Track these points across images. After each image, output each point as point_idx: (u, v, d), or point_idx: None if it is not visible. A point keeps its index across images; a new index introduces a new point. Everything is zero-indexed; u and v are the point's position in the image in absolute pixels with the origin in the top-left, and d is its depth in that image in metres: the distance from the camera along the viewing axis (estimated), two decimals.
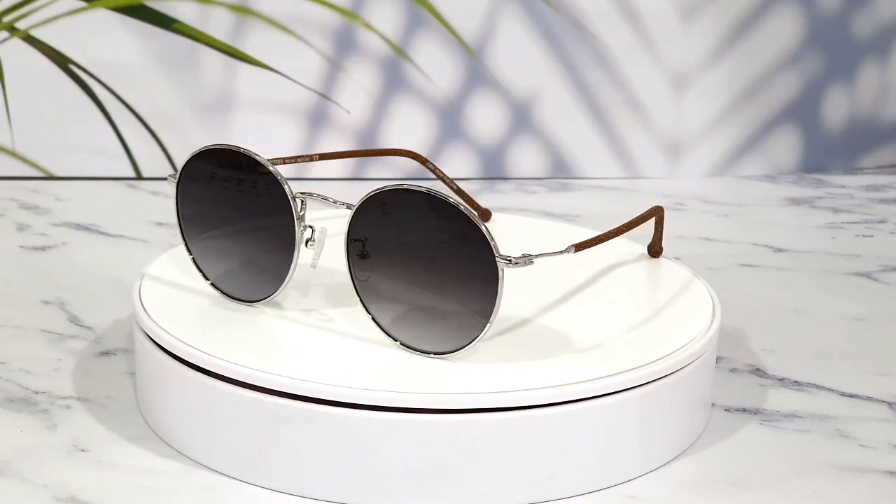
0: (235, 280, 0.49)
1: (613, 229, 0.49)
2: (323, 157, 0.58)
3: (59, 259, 0.66)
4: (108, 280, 0.62)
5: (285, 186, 0.46)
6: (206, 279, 0.49)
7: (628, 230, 0.50)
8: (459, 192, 0.59)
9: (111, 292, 0.61)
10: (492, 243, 0.42)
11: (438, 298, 0.43)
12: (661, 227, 0.54)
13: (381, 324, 0.45)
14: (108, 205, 0.76)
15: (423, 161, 0.60)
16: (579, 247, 0.45)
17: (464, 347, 0.43)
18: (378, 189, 0.43)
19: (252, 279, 0.48)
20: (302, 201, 0.46)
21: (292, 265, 0.46)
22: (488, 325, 0.42)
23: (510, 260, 0.42)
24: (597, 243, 0.46)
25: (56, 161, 0.80)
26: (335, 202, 0.46)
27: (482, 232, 0.41)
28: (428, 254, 0.44)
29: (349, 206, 0.44)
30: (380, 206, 0.43)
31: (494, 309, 0.42)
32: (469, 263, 0.42)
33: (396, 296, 0.44)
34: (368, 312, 0.45)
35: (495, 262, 0.42)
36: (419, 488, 0.42)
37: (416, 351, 0.44)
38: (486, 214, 0.60)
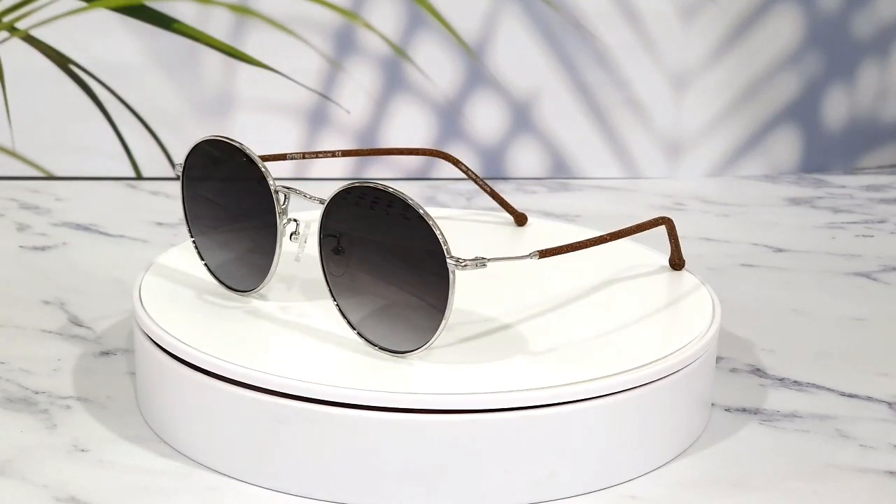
0: (229, 270, 0.49)
1: (588, 238, 0.48)
2: (346, 153, 0.57)
3: (59, 259, 0.66)
4: (108, 280, 0.62)
5: (269, 180, 0.46)
6: (206, 266, 0.50)
7: (612, 240, 0.49)
8: (493, 193, 0.59)
9: (111, 292, 0.61)
10: (444, 245, 0.41)
11: (397, 297, 0.44)
12: (676, 239, 0.52)
13: (349, 319, 0.45)
14: (108, 205, 0.76)
15: (455, 162, 0.59)
16: (543, 253, 0.44)
17: (418, 349, 0.43)
18: (344, 186, 0.44)
19: (242, 270, 0.49)
20: (285, 195, 0.46)
21: (275, 258, 0.47)
22: (441, 327, 0.42)
23: (460, 262, 0.42)
24: (563, 252, 0.46)
25: (56, 161, 0.80)
26: (310, 197, 0.46)
27: (435, 232, 0.41)
28: (389, 252, 0.44)
29: (322, 202, 0.45)
30: (347, 203, 0.44)
31: (446, 311, 0.42)
32: (424, 264, 0.42)
33: (361, 293, 0.44)
34: (338, 307, 0.45)
35: (446, 263, 0.42)
36: (419, 488, 0.42)
37: (376, 347, 0.44)
38: (521, 218, 0.59)
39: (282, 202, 0.46)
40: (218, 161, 0.49)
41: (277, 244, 0.47)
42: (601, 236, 0.48)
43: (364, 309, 0.44)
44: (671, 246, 0.53)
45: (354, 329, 0.44)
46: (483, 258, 0.42)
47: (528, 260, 0.44)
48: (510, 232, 0.58)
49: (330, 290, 0.45)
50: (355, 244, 0.44)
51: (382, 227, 0.43)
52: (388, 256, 0.44)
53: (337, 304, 0.45)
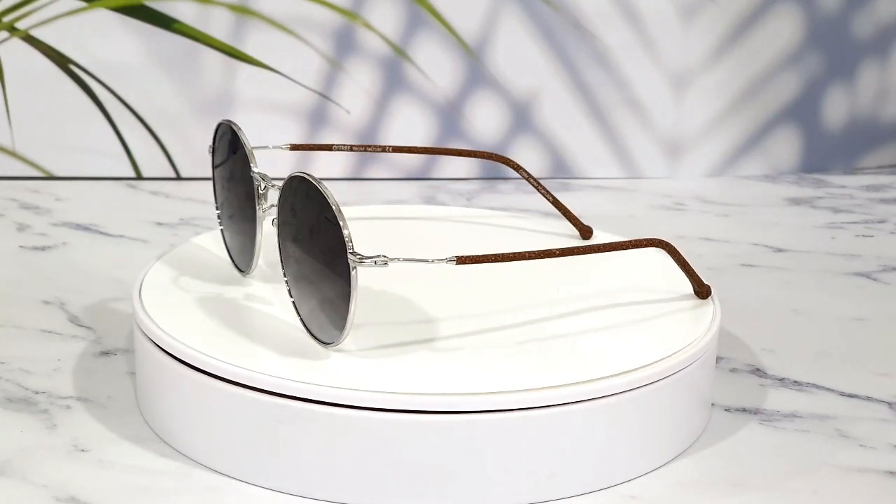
0: (234, 248, 0.51)
1: (522, 251, 0.46)
2: (397, 149, 0.57)
3: (59, 259, 0.66)
4: (108, 280, 0.62)
5: (252, 167, 0.48)
6: (223, 239, 0.52)
7: (561, 255, 0.46)
8: (556, 203, 0.57)
9: (111, 292, 0.61)
10: (347, 241, 0.42)
11: (322, 290, 0.44)
12: (685, 265, 0.49)
13: (296, 305, 0.45)
14: (108, 205, 0.76)
15: (516, 167, 0.58)
16: (461, 260, 0.44)
17: (333, 343, 0.44)
18: (290, 175, 0.44)
19: (240, 250, 0.51)
20: (265, 182, 0.47)
21: (256, 242, 0.49)
22: (348, 324, 0.43)
23: (361, 258, 0.42)
24: (482, 261, 0.44)
25: (56, 161, 0.80)
26: (274, 186, 0.46)
27: (342, 229, 0.42)
28: (316, 245, 0.44)
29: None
30: (291, 194, 0.45)
31: (350, 307, 0.42)
32: (337, 259, 0.43)
33: (300, 281, 0.45)
34: (288, 291, 0.46)
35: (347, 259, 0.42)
36: (419, 488, 0.42)
37: (311, 335, 0.45)
38: (586, 231, 0.57)
39: (262, 188, 0.47)
40: (228, 144, 0.50)
41: (258, 229, 0.48)
42: (549, 250, 0.46)
43: (303, 297, 0.45)
44: (685, 273, 0.50)
45: (299, 315, 0.45)
46: (385, 256, 0.42)
47: (447, 264, 0.44)
48: (574, 245, 0.57)
49: (283, 273, 0.46)
50: (296, 234, 0.45)
51: (312, 219, 0.44)
52: (315, 249, 0.44)
53: (288, 289, 0.46)
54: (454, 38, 0.80)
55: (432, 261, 0.43)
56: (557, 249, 0.46)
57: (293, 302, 0.46)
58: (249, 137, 0.49)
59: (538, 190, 0.57)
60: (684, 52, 0.82)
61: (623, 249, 0.48)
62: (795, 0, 0.83)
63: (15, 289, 0.61)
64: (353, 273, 0.42)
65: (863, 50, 0.85)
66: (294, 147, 0.54)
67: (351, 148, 0.54)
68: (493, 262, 0.45)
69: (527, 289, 0.50)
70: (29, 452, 0.45)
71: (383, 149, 0.56)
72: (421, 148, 0.57)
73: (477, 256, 0.44)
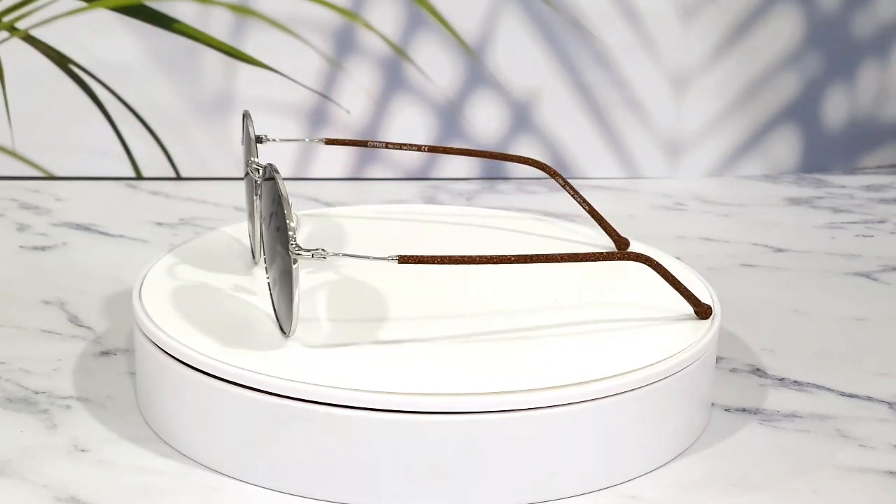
0: (250, 239, 0.53)
1: (465, 255, 0.45)
2: (432, 149, 0.56)
3: (59, 259, 0.66)
4: (108, 280, 0.62)
5: (252, 158, 0.48)
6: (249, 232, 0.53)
7: (519, 262, 0.45)
8: (592, 211, 0.56)
9: (111, 292, 0.61)
10: (290, 233, 0.42)
11: (280, 281, 0.45)
12: (673, 281, 0.47)
13: (271, 295, 0.46)
14: (108, 205, 0.76)
15: (553, 173, 0.56)
16: (404, 259, 0.44)
17: (287, 334, 0.44)
18: (264, 168, 0.45)
19: (252, 240, 0.52)
20: (260, 174, 0.48)
21: (256, 233, 0.50)
22: (294, 315, 0.43)
23: (300, 251, 0.42)
24: (425, 262, 0.44)
25: (56, 161, 0.80)
26: (259, 179, 0.47)
27: (287, 221, 0.42)
28: (276, 236, 0.45)
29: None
30: (265, 188, 0.46)
31: (294, 298, 0.43)
32: (285, 251, 0.43)
33: (272, 270, 0.46)
34: (268, 282, 0.47)
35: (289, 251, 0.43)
36: (419, 488, 0.42)
37: (277, 324, 0.46)
38: (623, 243, 0.55)
39: (258, 182, 0.48)
40: (246, 136, 0.51)
41: (256, 221, 0.49)
42: (505, 256, 0.45)
43: (273, 288, 0.46)
44: (681, 293, 0.47)
45: (273, 304, 0.46)
46: (324, 250, 0.43)
47: (389, 262, 0.43)
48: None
49: (264, 261, 0.47)
50: (268, 226, 0.46)
51: (274, 212, 0.45)
52: (278, 242, 0.45)
53: (267, 276, 0.47)
54: (454, 38, 0.80)
55: (372, 258, 0.44)
56: (513, 256, 0.45)
57: (268, 284, 0.46)
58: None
59: (574, 198, 0.56)
60: (684, 52, 0.82)
61: (589, 261, 0.46)
62: (795, 0, 0.83)
63: (15, 289, 0.61)
64: (294, 266, 0.42)
65: (863, 50, 0.85)
66: (330, 141, 0.54)
67: (386, 145, 0.54)
68: (437, 263, 0.44)
69: (528, 291, 0.50)
70: (29, 452, 0.45)
71: (419, 148, 0.55)
72: (457, 149, 0.56)
73: (420, 257, 0.44)
